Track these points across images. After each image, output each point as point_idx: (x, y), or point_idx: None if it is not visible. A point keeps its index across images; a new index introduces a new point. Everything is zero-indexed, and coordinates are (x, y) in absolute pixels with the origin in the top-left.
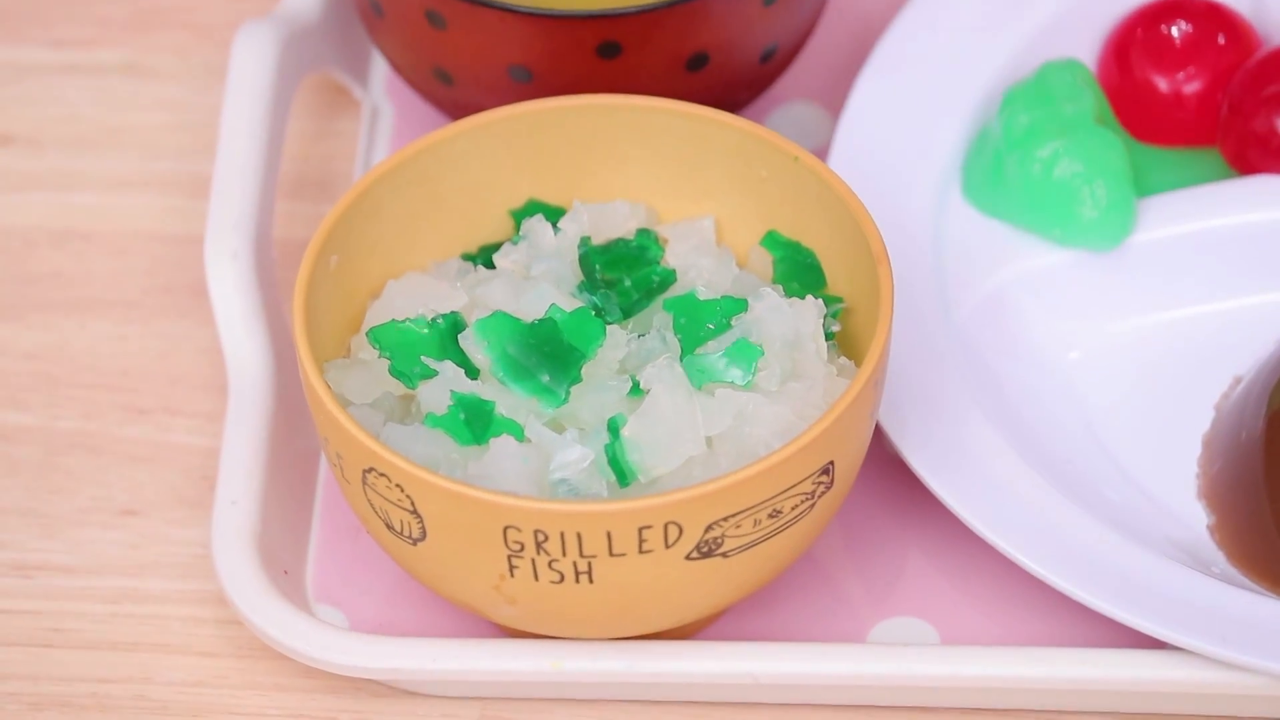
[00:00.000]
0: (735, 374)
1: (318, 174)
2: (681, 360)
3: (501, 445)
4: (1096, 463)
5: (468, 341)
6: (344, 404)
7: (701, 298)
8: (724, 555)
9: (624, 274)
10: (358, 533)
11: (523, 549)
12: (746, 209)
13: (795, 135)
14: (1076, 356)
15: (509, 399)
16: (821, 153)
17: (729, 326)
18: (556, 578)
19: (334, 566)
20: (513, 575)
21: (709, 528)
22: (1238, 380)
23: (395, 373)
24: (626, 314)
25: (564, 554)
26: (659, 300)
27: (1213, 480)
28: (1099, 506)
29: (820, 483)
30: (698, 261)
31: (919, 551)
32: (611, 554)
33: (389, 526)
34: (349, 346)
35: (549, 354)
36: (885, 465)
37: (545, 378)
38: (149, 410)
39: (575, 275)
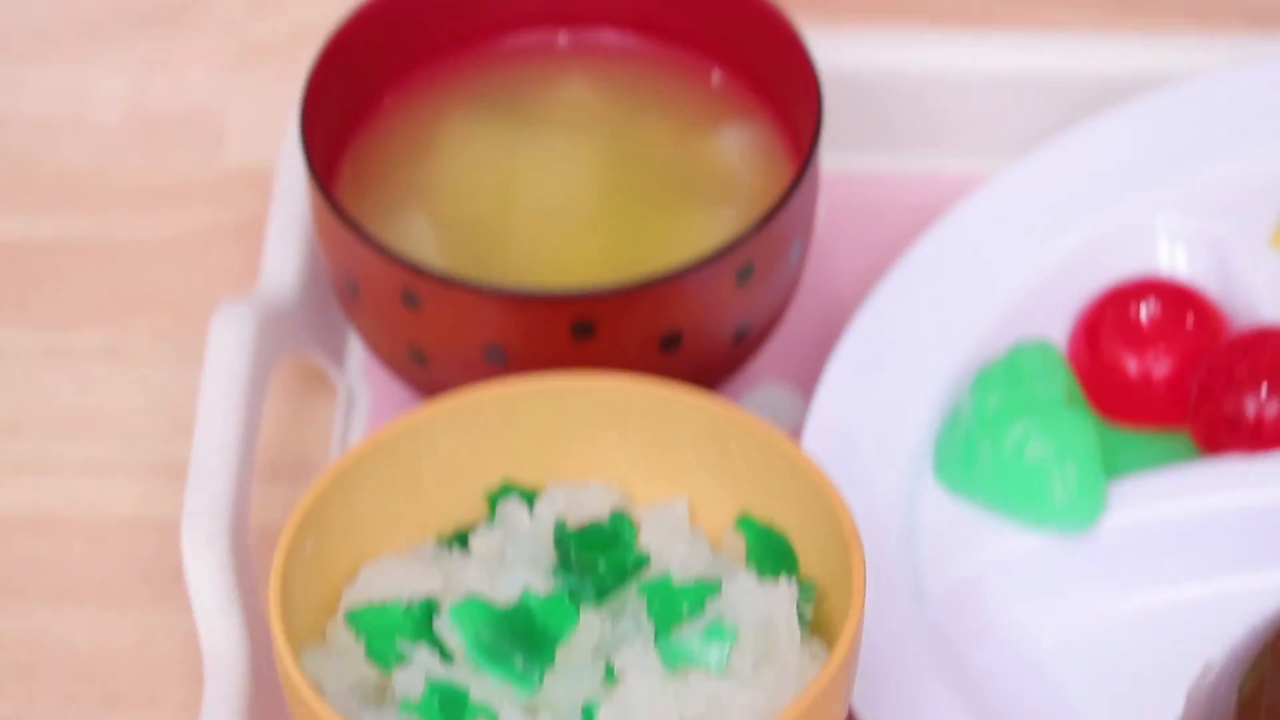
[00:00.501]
0: (709, 657)
1: (294, 457)
2: (656, 643)
3: None
4: None
5: (443, 626)
6: (320, 691)
7: (675, 581)
8: None
9: (598, 557)
10: None
11: None
12: (720, 489)
13: (768, 416)
14: (1049, 643)
15: (484, 684)
16: (794, 433)
17: (703, 609)
18: None
19: None
20: None
21: None
22: (1209, 667)
23: (371, 655)
24: (601, 597)
25: None
26: (633, 583)
27: None
28: None
29: None
30: (671, 545)
31: None
32: None
33: None
34: (325, 630)
35: (523, 638)
36: None
37: (519, 662)
38: (127, 699)
39: (550, 557)
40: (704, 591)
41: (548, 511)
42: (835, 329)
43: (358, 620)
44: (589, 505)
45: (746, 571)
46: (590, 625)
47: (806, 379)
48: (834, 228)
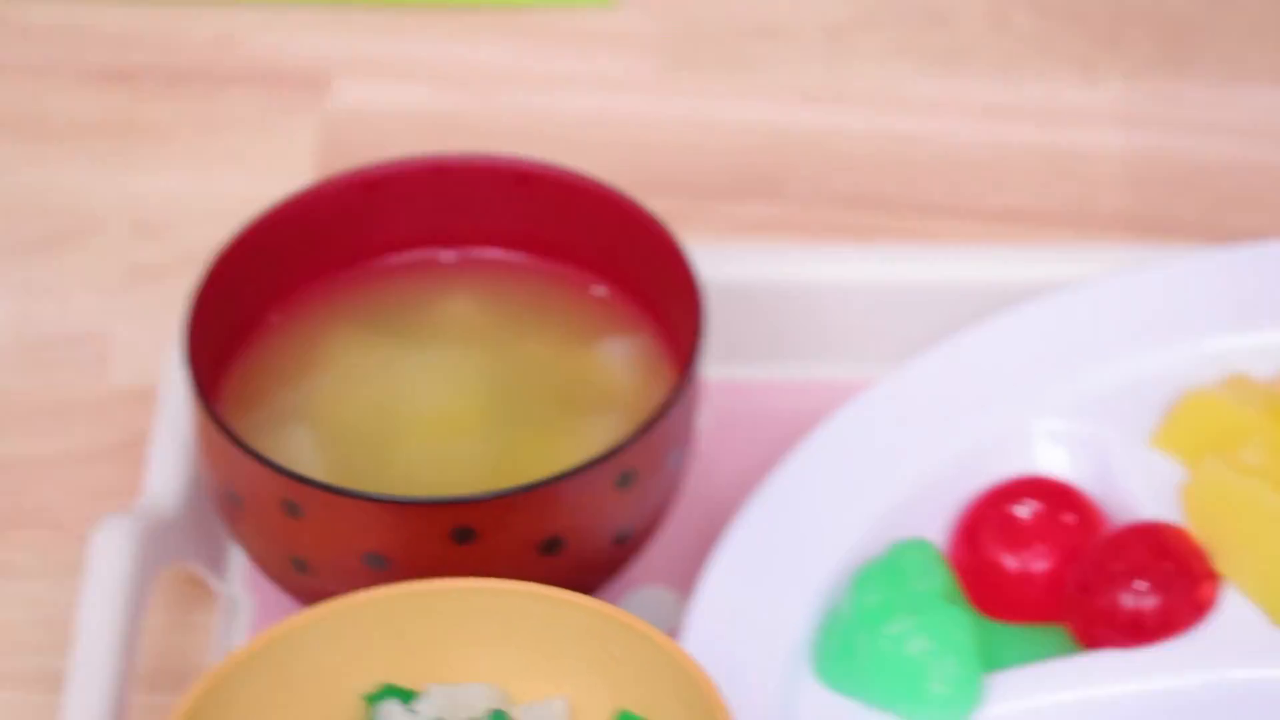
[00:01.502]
0: None
1: (176, 666)
2: None
3: None
4: None
5: None
6: None
7: None
8: None
9: None
10: None
11: None
12: (599, 688)
13: (648, 618)
14: None
15: None
16: (674, 634)
17: None
18: None
19: None
20: None
21: None
22: None
23: None
24: None
25: None
26: None
27: None
28: None
29: None
30: None
31: None
32: None
33: None
34: None
35: None
36: None
37: None
38: None
39: None
40: None
41: (427, 711)
42: (716, 532)
43: None
44: (468, 705)
45: None
46: None
47: (687, 581)
48: (717, 434)
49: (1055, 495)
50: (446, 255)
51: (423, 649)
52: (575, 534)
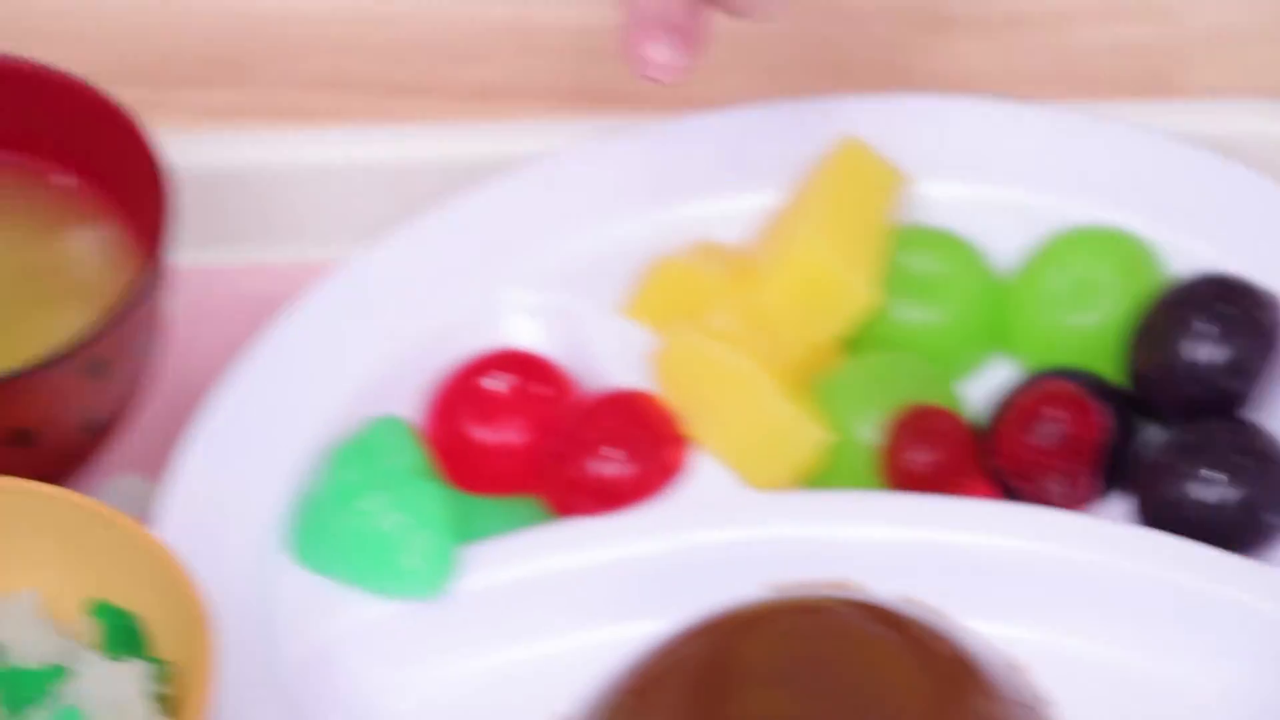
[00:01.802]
0: None
1: None
2: None
3: None
4: None
5: None
6: None
7: (23, 668)
8: None
9: None
10: None
11: None
12: (71, 578)
13: (123, 506)
14: (407, 706)
15: None
16: (150, 521)
17: (49, 694)
18: None
19: None
20: None
21: None
22: (558, 718)
23: None
24: None
25: None
26: None
27: None
28: None
29: None
30: (21, 634)
31: None
32: None
33: None
34: None
35: None
36: None
37: None
38: None
39: None
40: (52, 676)
41: None
42: (190, 418)
43: None
44: None
45: (98, 656)
46: None
47: (162, 468)
48: (190, 320)
49: (527, 367)
50: None
51: None
52: (45, 425)
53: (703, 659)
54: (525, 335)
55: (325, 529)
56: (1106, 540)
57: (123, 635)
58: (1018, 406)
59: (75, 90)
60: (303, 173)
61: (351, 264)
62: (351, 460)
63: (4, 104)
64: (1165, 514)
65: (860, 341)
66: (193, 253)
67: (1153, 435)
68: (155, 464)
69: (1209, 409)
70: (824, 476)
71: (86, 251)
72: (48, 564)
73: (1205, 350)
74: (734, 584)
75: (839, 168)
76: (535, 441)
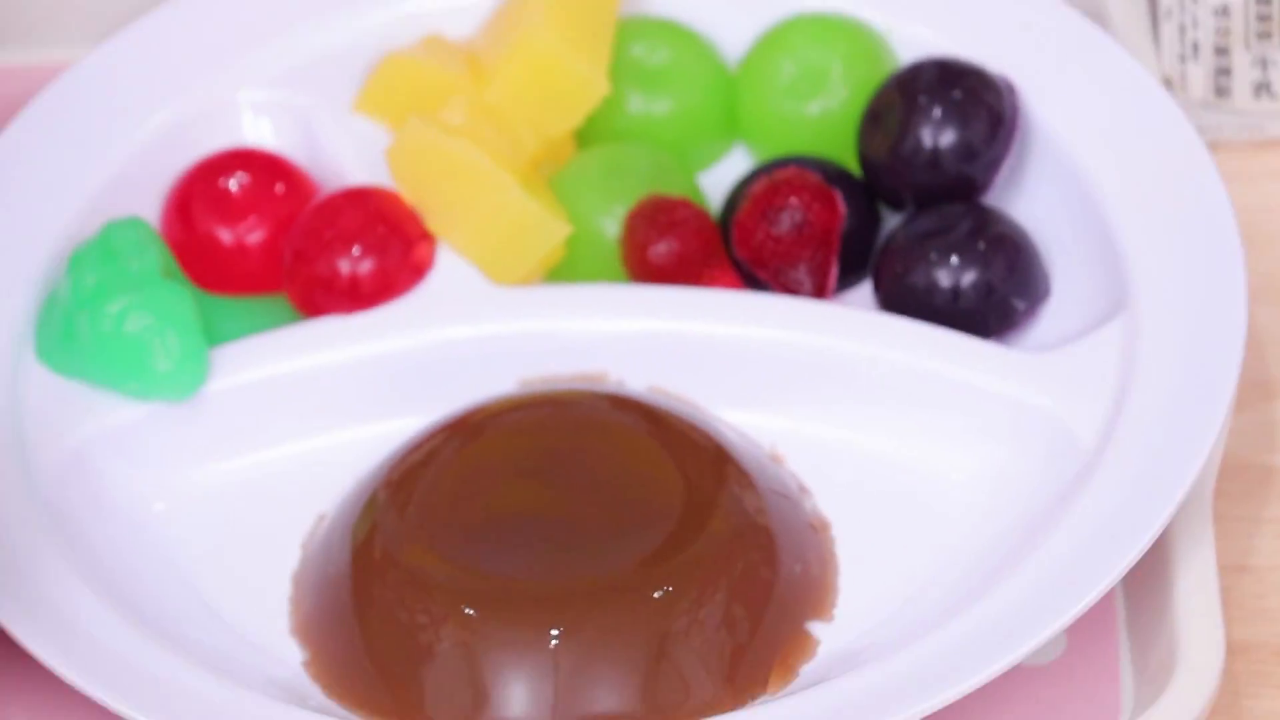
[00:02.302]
0: None
1: None
2: None
3: None
4: (192, 610)
5: None
6: None
7: None
8: None
9: None
10: None
11: None
12: None
13: None
14: (163, 508)
15: None
16: None
17: None
18: None
19: None
20: None
21: None
22: (322, 517)
23: None
24: None
25: None
26: None
27: (305, 617)
28: (198, 652)
29: None
30: None
31: (22, 711)
32: None
33: None
34: None
35: None
36: None
37: None
38: None
39: None
40: None
41: None
42: None
43: None
44: None
45: None
46: None
47: None
48: None
49: (263, 166)
50: None
51: None
52: None
53: (455, 453)
54: (260, 133)
55: (72, 333)
56: (848, 326)
57: None
58: (754, 196)
59: None
60: None
61: (80, 65)
62: (92, 263)
63: None
64: (906, 300)
65: (593, 135)
66: None
67: (892, 223)
68: None
69: (945, 195)
70: (567, 270)
71: None
72: None
73: (935, 134)
74: (485, 379)
75: None
76: (277, 240)
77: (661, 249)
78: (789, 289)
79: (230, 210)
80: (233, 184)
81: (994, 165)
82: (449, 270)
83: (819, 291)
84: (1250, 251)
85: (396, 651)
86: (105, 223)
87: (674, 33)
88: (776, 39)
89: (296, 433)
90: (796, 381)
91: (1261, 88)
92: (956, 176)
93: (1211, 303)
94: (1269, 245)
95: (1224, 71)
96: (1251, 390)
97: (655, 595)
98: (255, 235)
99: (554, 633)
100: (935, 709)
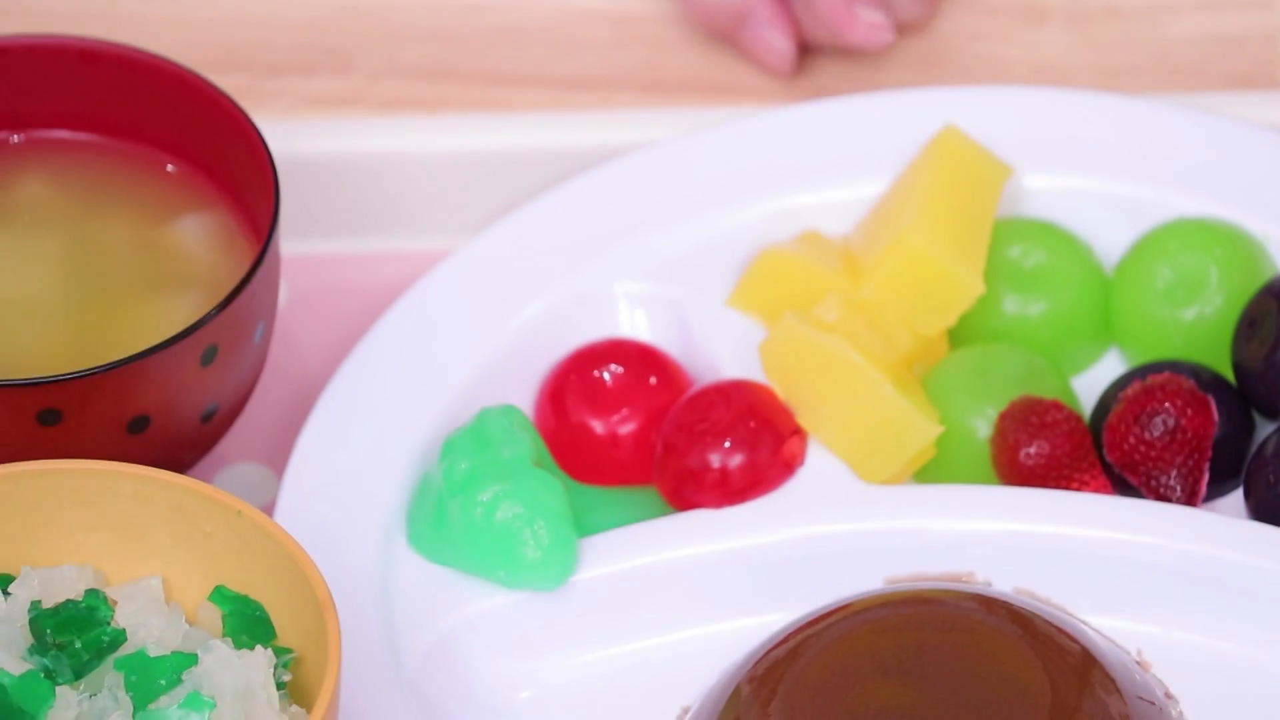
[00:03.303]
0: None
1: None
2: (135, 716)
3: None
4: None
5: None
6: None
7: (151, 654)
8: None
9: (74, 636)
10: None
11: None
12: (194, 565)
13: (241, 494)
14: (527, 696)
15: None
16: (268, 510)
17: (180, 681)
18: None
19: None
20: None
21: None
22: (685, 710)
23: None
24: (78, 674)
25: None
26: (110, 659)
27: None
28: None
29: None
30: (147, 620)
31: None
32: None
33: None
34: None
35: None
36: None
37: None
38: None
39: (26, 640)
40: (180, 663)
41: (22, 594)
42: (305, 407)
43: None
44: (63, 587)
45: (223, 642)
46: (67, 702)
47: (278, 457)
48: (300, 310)
49: (637, 357)
50: (14, 138)
51: (14, 532)
52: (162, 411)
53: (820, 650)
54: (634, 325)
55: (443, 519)
56: (1221, 534)
57: (247, 623)
58: (1127, 399)
59: (179, 78)
60: (406, 162)
61: (460, 254)
62: (467, 449)
63: (116, 93)
64: (1277, 508)
65: (966, 334)
66: (297, 243)
67: (1266, 431)
68: (271, 454)
69: None
70: (936, 469)
71: (196, 238)
72: (171, 550)
73: None
74: (851, 577)
75: (940, 158)
76: (648, 432)
77: (1032, 451)
78: (1160, 495)
79: (603, 401)
80: (607, 375)
81: None
82: (819, 466)
83: (1190, 498)
84: None
85: None
86: (480, 410)
87: (1051, 234)
88: (1154, 243)
89: (662, 625)
90: (1165, 587)
91: None
92: None
93: None
94: None
95: None
96: None
97: None
98: (627, 426)
99: None
100: None
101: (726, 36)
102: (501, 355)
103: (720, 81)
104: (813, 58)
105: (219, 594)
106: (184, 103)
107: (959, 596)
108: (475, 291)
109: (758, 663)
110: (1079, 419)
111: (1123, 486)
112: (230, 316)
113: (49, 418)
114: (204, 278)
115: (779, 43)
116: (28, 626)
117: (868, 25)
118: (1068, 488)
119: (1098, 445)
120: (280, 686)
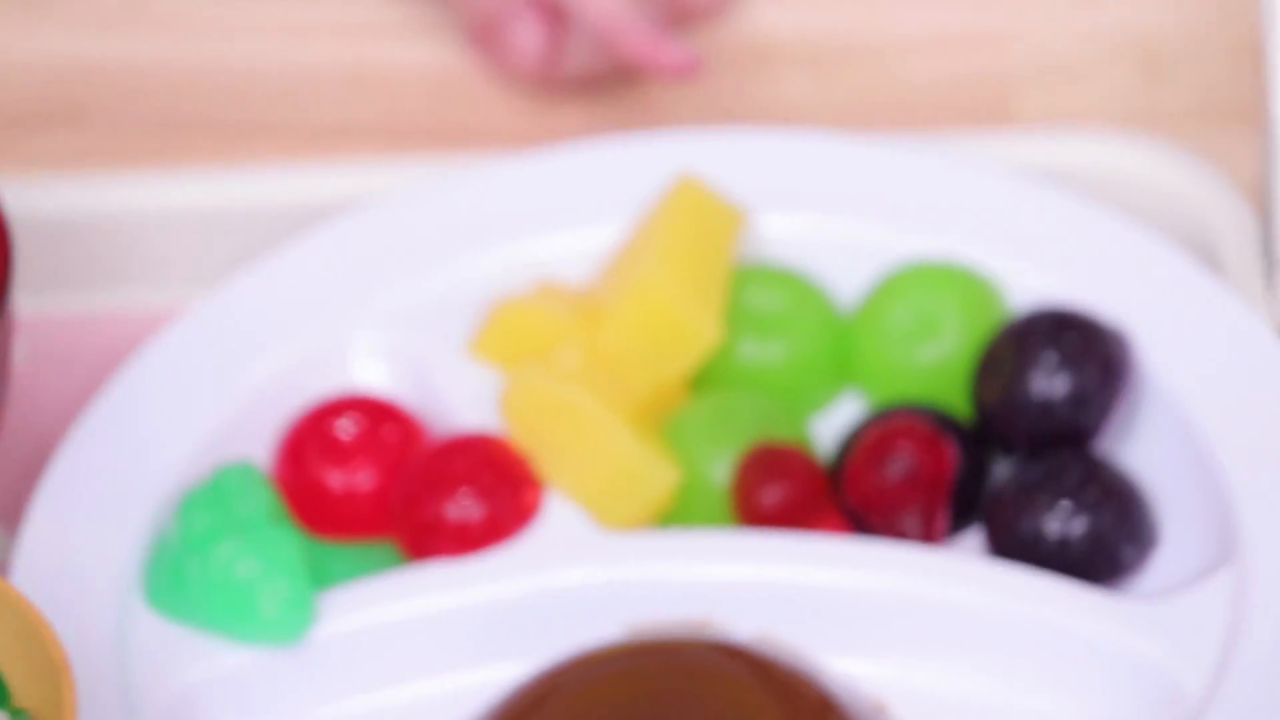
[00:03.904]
0: None
1: None
2: None
3: None
4: None
5: None
6: None
7: None
8: None
9: None
10: None
11: None
12: None
13: None
14: None
15: None
16: (2, 571)
17: None
18: None
19: None
20: None
21: None
22: None
23: None
24: None
25: None
26: None
27: None
28: None
29: None
30: None
31: None
32: None
33: None
34: None
35: None
36: None
37: None
38: None
39: None
40: None
41: None
42: (41, 467)
43: None
44: None
45: None
46: None
47: (13, 517)
48: (36, 368)
49: (375, 410)
50: None
51: None
52: None
53: (561, 701)
54: (373, 377)
55: (181, 577)
56: (960, 575)
57: None
58: (865, 442)
59: None
60: (144, 217)
61: (197, 308)
62: (203, 506)
63: None
64: (1016, 547)
65: (705, 380)
66: (34, 300)
67: (1003, 469)
68: (5, 514)
69: (1056, 442)
70: (676, 516)
71: None
72: None
73: (1047, 382)
74: (591, 625)
75: (677, 204)
76: (386, 485)
77: (770, 496)
78: (898, 536)
79: (340, 455)
80: (344, 428)
81: (1105, 413)
82: (558, 515)
83: (928, 538)
84: None
85: None
86: (216, 466)
87: (787, 279)
88: (891, 285)
89: (403, 678)
90: (904, 629)
91: None
92: (1067, 424)
93: None
94: None
95: None
96: None
97: None
98: (365, 480)
99: None
100: None
101: (483, 36)
102: (239, 410)
103: (458, 130)
104: (551, 104)
105: None
106: None
107: (699, 644)
108: (213, 346)
109: (499, 714)
110: (817, 463)
111: (862, 529)
112: None
113: None
114: None
115: (530, 42)
116: None
117: (680, 65)
118: (807, 531)
119: (837, 488)
120: None
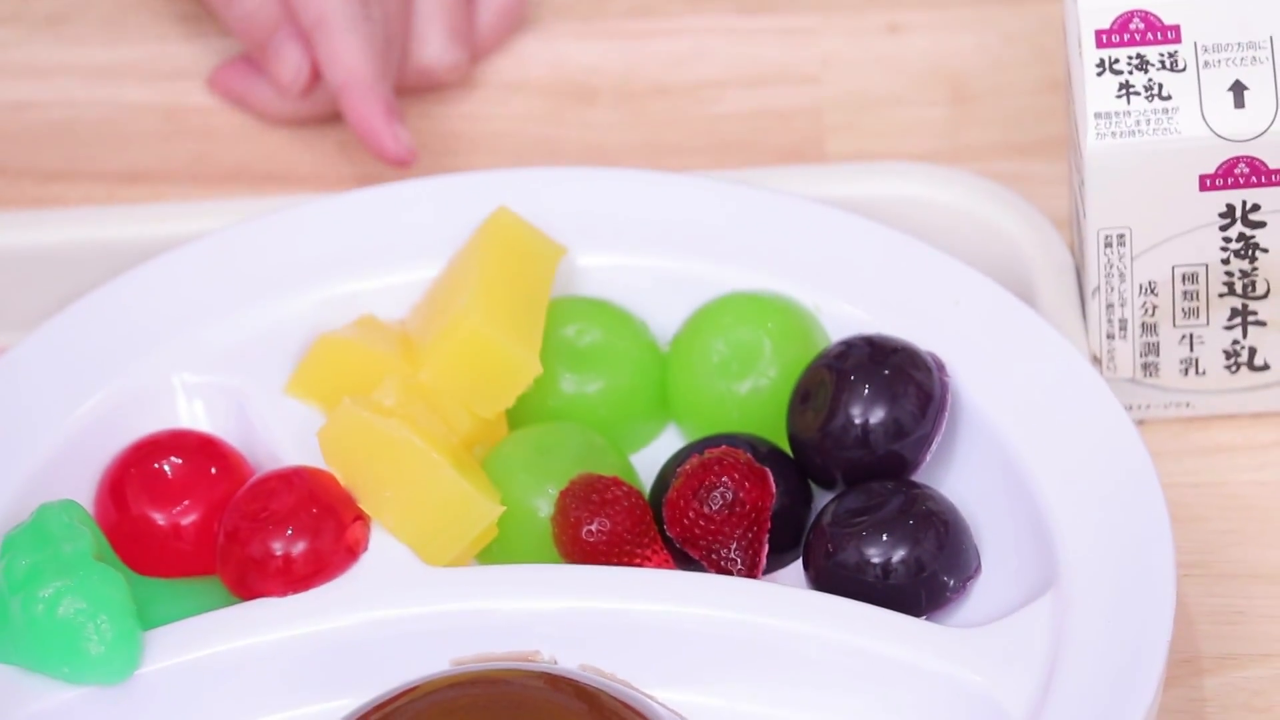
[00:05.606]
0: None
1: None
2: None
3: None
4: None
5: None
6: None
7: None
8: None
9: None
10: None
11: None
12: None
13: None
14: None
15: None
16: None
17: None
18: None
19: None
20: None
21: None
22: None
23: None
24: None
25: None
26: None
27: None
28: None
29: None
30: None
31: None
32: None
33: None
34: None
35: None
36: None
37: None
38: None
39: None
40: None
41: None
42: None
43: None
44: None
45: None
46: None
47: None
48: None
49: (197, 447)
50: None
51: None
52: None
53: None
54: (194, 416)
55: (4, 618)
56: (781, 605)
57: None
58: (685, 474)
59: None
60: None
61: (14, 351)
62: (26, 546)
63: None
64: (837, 578)
65: (525, 414)
66: None
67: (821, 500)
68: None
69: (875, 472)
70: (499, 550)
71: None
72: None
73: (862, 412)
74: (417, 659)
75: (493, 239)
76: (210, 522)
77: (593, 528)
78: (721, 568)
79: (163, 493)
80: (166, 466)
81: (923, 443)
82: (381, 551)
83: (750, 570)
84: (1178, 528)
85: None
86: (39, 506)
87: (605, 312)
88: (707, 318)
89: (229, 715)
90: (728, 660)
91: (1189, 365)
92: (886, 454)
93: (1140, 579)
94: (1196, 522)
95: (1151, 349)
96: (1181, 667)
97: None
98: (189, 518)
99: None
100: None
101: (258, 57)
102: (60, 450)
103: (272, 171)
104: (361, 148)
105: None
106: None
107: (525, 675)
108: (31, 388)
109: None
110: (639, 495)
111: (685, 561)
112: None
113: None
114: None
115: (296, 59)
116: None
117: (403, 151)
118: (630, 564)
119: (659, 520)
120: None
